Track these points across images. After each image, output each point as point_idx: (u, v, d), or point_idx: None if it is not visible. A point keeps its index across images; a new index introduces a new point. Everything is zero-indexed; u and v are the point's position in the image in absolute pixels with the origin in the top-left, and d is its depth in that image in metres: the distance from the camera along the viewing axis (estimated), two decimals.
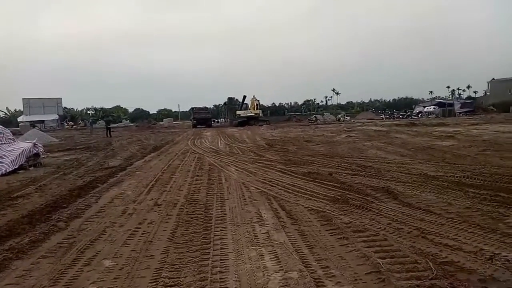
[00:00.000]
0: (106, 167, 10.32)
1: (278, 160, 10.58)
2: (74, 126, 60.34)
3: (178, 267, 3.35)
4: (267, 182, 7.17)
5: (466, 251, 3.36)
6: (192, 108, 52.53)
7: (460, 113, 53.72)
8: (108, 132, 29.76)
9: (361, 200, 5.38)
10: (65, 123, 65.71)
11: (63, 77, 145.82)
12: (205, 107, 54.20)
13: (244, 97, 48.93)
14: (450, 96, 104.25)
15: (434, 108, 58.09)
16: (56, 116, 66.86)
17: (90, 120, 51.44)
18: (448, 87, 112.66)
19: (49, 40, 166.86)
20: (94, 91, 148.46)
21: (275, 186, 6.75)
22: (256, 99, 48.26)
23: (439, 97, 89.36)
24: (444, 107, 57.07)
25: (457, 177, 6.82)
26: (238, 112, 47.27)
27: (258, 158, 11.21)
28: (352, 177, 7.28)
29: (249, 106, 48.10)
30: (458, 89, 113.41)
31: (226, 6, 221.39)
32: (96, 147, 17.87)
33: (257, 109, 47.81)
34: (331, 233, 4.07)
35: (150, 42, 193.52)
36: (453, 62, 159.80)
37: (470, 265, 3.06)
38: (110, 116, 70.48)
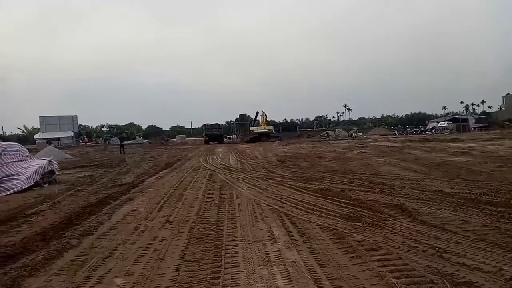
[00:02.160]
0: (119, 184, 10.41)
1: (289, 176, 10.53)
2: (89, 143, 61.34)
3: (189, 285, 3.32)
4: (279, 199, 7.12)
5: (484, 271, 3.25)
6: (204, 125, 53.06)
7: (474, 128, 52.97)
8: (121, 149, 30.17)
9: (374, 218, 5.29)
10: (80, 140, 66.89)
11: (78, 94, 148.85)
12: (217, 123, 54.71)
13: (257, 113, 49.34)
14: (464, 111, 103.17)
15: (448, 123, 57.44)
16: (71, 133, 68.16)
17: (105, 137, 52.32)
18: (462, 102, 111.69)
19: (65, 58, 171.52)
20: (108, 108, 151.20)
21: (287, 203, 6.70)
22: (264, 114, 48.52)
23: (452, 112, 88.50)
24: (458, 122, 56.39)
25: (473, 194, 6.67)
26: (251, 129, 47.56)
27: (269, 175, 11.18)
28: (365, 194, 7.19)
29: (260, 122, 48.46)
30: (472, 104, 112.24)
31: (236, 21, 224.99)
32: (110, 164, 18.09)
33: (267, 124, 48.10)
34: (344, 251, 4.00)
35: (163, 60, 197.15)
36: (467, 77, 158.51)
37: (489, 286, 2.96)
38: (124, 133, 71.50)
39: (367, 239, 4.33)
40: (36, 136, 64.91)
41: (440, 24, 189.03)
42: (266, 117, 49.06)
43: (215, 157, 20.58)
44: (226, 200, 7.44)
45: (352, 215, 5.51)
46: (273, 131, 49.29)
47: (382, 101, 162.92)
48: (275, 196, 7.45)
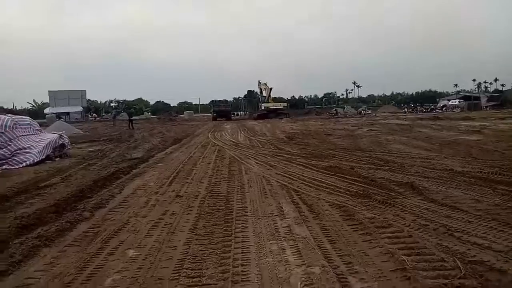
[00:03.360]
0: (129, 159, 10.50)
1: (298, 153, 10.51)
2: (98, 118, 61.76)
3: (200, 258, 3.37)
4: (288, 176, 7.13)
5: (496, 250, 3.23)
6: (212, 101, 52.94)
7: (486, 107, 51.99)
8: (130, 124, 30.30)
9: (384, 195, 5.27)
10: (89, 115, 67.33)
11: (87, 69, 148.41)
12: (225, 100, 54.74)
13: (270, 89, 48.47)
14: (476, 89, 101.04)
15: (459, 101, 56.45)
16: (80, 108, 68.52)
17: (114, 113, 52.52)
18: (474, 80, 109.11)
19: (74, 32, 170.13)
20: (117, 83, 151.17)
21: (296, 180, 6.70)
22: (269, 87, 47.19)
23: (464, 90, 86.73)
24: (470, 100, 55.37)
25: (485, 173, 6.59)
26: (266, 105, 46.12)
27: (278, 152, 11.16)
28: (374, 172, 7.15)
29: (264, 94, 47.30)
30: (485, 82, 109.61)
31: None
32: (119, 139, 18.22)
33: (275, 101, 47.46)
34: (354, 228, 4.01)
35: (172, 35, 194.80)
36: (479, 54, 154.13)
37: (501, 265, 2.94)
38: (132, 108, 71.62)
39: (377, 217, 4.32)
40: (46, 111, 65.33)
41: (452, 2, 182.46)
42: (270, 90, 47.93)
43: (223, 133, 20.60)
44: (235, 176, 7.47)
45: (362, 192, 5.50)
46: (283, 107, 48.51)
47: (391, 78, 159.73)
48: (284, 173, 7.45)
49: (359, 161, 8.65)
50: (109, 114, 64.64)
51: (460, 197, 5.06)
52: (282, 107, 46.41)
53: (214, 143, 14.82)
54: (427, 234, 3.69)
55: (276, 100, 49.07)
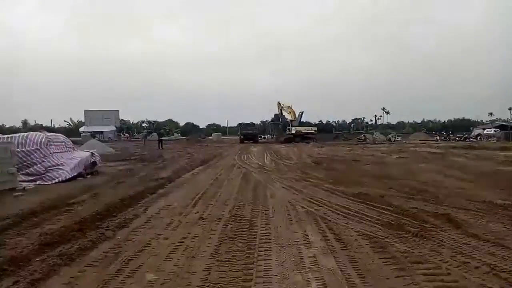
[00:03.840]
0: (156, 178, 10.56)
1: (325, 179, 10.22)
2: (130, 138, 63.58)
3: (220, 286, 3.21)
4: (314, 202, 6.89)
5: None
6: (240, 124, 53.29)
7: None
8: (160, 145, 30.91)
9: (418, 227, 4.94)
10: (121, 135, 69.50)
11: (121, 89, 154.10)
12: (252, 123, 54.97)
13: (301, 113, 48.47)
14: None
15: (495, 130, 54.17)
16: (113, 128, 70.93)
17: (145, 133, 54.00)
18: (510, 109, 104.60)
19: (110, 55, 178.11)
20: (149, 104, 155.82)
21: (323, 206, 6.45)
22: (288, 107, 47.47)
23: (500, 119, 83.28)
24: (507, 130, 53.01)
25: None
26: (298, 129, 46.14)
27: (304, 176, 10.92)
28: (406, 201, 6.79)
29: (286, 115, 47.51)
30: None
31: (274, 21, 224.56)
32: (149, 159, 18.51)
33: (302, 125, 47.38)
34: (386, 262, 3.72)
35: (202, 61, 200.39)
36: None
37: None
38: (163, 129, 73.39)
39: (411, 250, 4.02)
40: (81, 129, 68.09)
41: (487, 29, 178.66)
42: (301, 114, 48.05)
43: (249, 156, 20.55)
44: (260, 199, 7.30)
45: (393, 223, 5.18)
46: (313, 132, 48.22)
47: (422, 105, 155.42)
48: (310, 199, 7.21)
49: (389, 189, 8.28)
50: (141, 134, 66.47)
51: (503, 232, 4.66)
52: (313, 131, 46.40)
53: (240, 165, 14.76)
54: (468, 273, 3.37)
55: (303, 124, 48.85)
